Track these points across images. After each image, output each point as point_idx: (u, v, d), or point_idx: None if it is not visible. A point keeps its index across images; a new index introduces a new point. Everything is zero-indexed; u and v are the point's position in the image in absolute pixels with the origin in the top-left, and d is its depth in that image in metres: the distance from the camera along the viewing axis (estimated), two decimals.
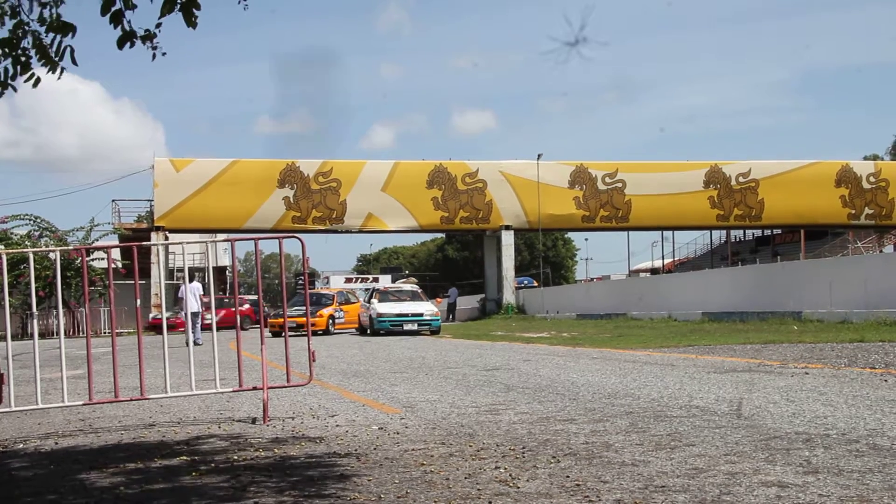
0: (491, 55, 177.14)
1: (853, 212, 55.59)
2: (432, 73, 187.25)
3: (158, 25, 6.15)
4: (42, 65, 6.26)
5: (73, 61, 6.25)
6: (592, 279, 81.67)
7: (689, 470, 5.42)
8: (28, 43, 6.26)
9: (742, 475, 5.23)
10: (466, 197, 51.58)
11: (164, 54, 6.35)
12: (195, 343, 18.82)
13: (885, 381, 10.44)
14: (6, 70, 6.28)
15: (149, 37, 6.17)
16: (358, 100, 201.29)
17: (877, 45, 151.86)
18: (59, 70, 6.26)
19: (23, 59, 6.28)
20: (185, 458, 6.69)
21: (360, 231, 51.67)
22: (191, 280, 29.91)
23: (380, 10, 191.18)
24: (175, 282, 45.68)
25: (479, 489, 5.08)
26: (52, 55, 6.21)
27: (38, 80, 6.36)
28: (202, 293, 23.45)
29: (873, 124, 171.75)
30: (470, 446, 6.59)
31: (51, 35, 6.18)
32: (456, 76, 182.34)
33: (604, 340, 22.07)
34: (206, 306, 24.85)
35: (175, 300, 30.14)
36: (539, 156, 52.89)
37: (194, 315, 24.19)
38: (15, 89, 6.39)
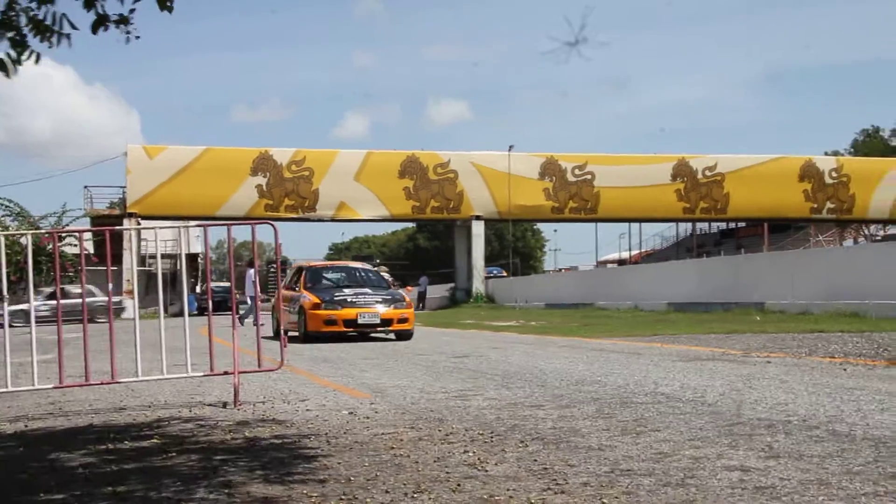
0: (467, 46, 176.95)
1: (815, 206, 56.03)
2: (407, 63, 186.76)
3: (132, 11, 6.09)
4: (39, 40, 6.13)
5: (72, 25, 6.11)
6: (561, 270, 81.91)
7: (654, 454, 5.44)
8: (23, 21, 6.16)
9: (706, 459, 5.25)
10: (437, 187, 51.60)
11: (137, 38, 6.26)
12: (254, 324, 19.89)
13: (844, 370, 10.53)
14: (10, 57, 6.17)
15: (122, 20, 6.09)
16: (332, 89, 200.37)
17: (841, 46, 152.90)
18: (59, 40, 6.14)
19: (18, 37, 6.18)
20: (155, 440, 6.65)
21: (333, 219, 51.66)
22: (250, 266, 30.04)
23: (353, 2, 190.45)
24: (147, 268, 45.39)
25: (447, 472, 5.08)
26: (50, 25, 6.08)
27: (38, 57, 6.23)
28: (255, 280, 23.85)
29: (836, 122, 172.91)
30: (439, 431, 6.59)
31: (43, 9, 6.10)
32: (431, 67, 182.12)
33: (571, 329, 22.17)
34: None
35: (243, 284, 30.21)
36: (510, 147, 53.05)
37: (251, 297, 27.23)
38: (20, 63, 6.25)
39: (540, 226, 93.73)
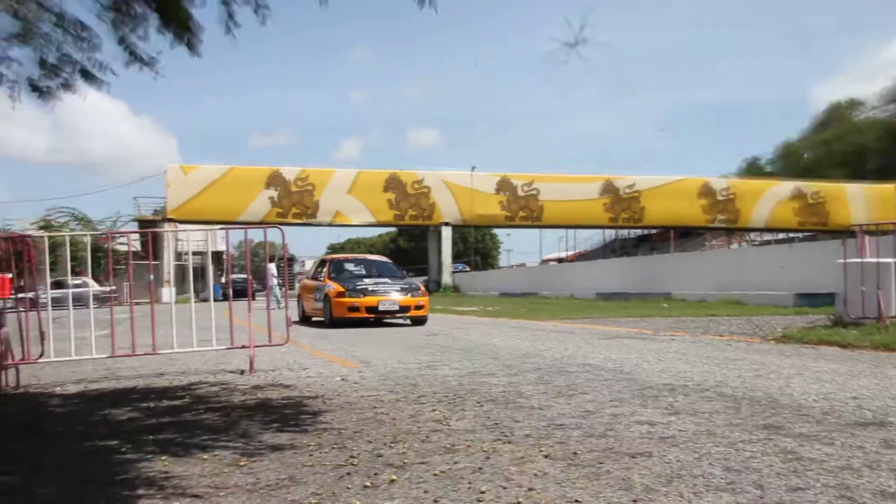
0: (438, 85, 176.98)
1: (710, 217, 56.46)
2: (391, 99, 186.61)
3: (159, 52, 6.07)
4: (85, 81, 6.16)
5: (113, 72, 6.14)
6: (512, 266, 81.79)
7: (582, 412, 5.47)
8: (73, 68, 6.16)
9: (622, 416, 5.29)
10: (414, 199, 51.64)
11: (162, 76, 6.25)
12: (278, 307, 20.13)
13: (730, 345, 10.61)
14: (55, 87, 6.17)
15: (150, 62, 6.08)
16: (331, 120, 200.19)
17: (736, 90, 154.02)
18: (102, 85, 6.15)
19: (69, 81, 6.18)
20: (187, 399, 6.64)
21: (330, 224, 51.45)
22: (270, 261, 30.14)
23: (350, 49, 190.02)
24: (182, 263, 45.09)
25: (419, 426, 5.09)
26: (93, 72, 6.12)
27: (86, 96, 6.24)
28: (275, 273, 23.83)
29: (726, 151, 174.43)
30: (412, 394, 6.60)
31: (92, 56, 6.11)
32: (409, 102, 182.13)
33: (520, 313, 22.16)
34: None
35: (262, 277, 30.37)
36: (473, 168, 53.12)
37: (272, 287, 26.05)
38: (51, 98, 6.22)
39: (496, 231, 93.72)
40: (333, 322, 16.95)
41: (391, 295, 17.12)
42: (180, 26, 5.86)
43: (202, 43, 5.97)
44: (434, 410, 5.70)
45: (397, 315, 17.18)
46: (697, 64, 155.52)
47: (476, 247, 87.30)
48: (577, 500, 3.37)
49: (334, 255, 20.95)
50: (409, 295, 17.34)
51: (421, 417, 5.43)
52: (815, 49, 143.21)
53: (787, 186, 59.86)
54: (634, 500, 3.35)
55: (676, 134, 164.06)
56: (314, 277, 19.55)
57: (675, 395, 6.14)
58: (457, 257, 63.69)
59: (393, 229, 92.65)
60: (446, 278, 52.31)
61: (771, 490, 3.48)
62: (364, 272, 19.23)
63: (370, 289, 17.19)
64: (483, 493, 3.52)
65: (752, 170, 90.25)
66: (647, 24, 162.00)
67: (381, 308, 16.83)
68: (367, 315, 16.75)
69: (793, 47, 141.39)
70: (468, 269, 70.29)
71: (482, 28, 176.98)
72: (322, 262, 20.12)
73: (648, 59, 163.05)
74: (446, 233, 52.52)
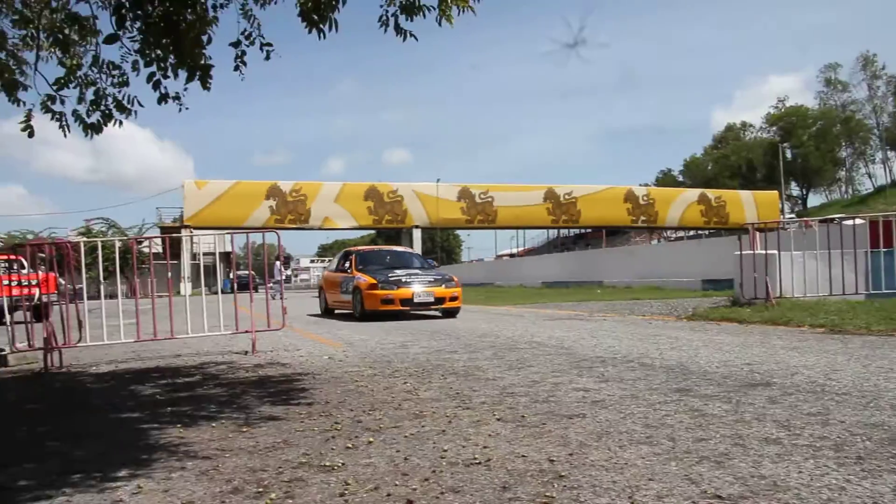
0: (412, 109, 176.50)
1: (634, 219, 56.89)
2: (370, 123, 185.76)
3: (185, 90, 6.02)
4: (119, 112, 6.14)
5: (140, 104, 6.14)
6: (472, 261, 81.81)
7: (529, 382, 5.46)
8: (110, 101, 6.13)
9: (562, 384, 5.29)
10: (390, 206, 51.59)
11: (187, 108, 6.20)
12: (277, 298, 19.35)
13: (650, 323, 10.69)
14: (99, 121, 6.15)
15: (176, 97, 6.03)
16: (321, 141, 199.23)
17: (653, 114, 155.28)
18: (133, 114, 6.14)
19: (106, 112, 6.14)
20: (199, 377, 6.53)
21: (320, 228, 51.24)
22: (277, 260, 29.93)
23: (337, 83, 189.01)
24: (196, 262, 44.58)
25: (392, 396, 5.05)
26: (126, 105, 6.10)
27: (121, 124, 6.19)
28: (281, 268, 23.45)
29: (646, 163, 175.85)
30: (388, 369, 6.54)
31: (122, 90, 6.09)
32: (386, 125, 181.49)
33: (478, 300, 22.17)
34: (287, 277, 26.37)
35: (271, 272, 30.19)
36: (438, 180, 53.12)
37: (277, 282, 26.62)
38: (99, 131, 6.18)
39: (458, 231, 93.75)
40: (365, 315, 13.90)
41: (426, 286, 14.12)
42: (194, 67, 5.81)
43: (212, 79, 5.92)
44: (406, 383, 5.66)
45: (432, 307, 14.08)
46: (624, 92, 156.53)
47: (442, 245, 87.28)
48: (523, 455, 3.36)
49: (360, 247, 17.04)
50: (444, 286, 14.29)
51: (395, 389, 5.39)
52: (715, 81, 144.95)
53: (694, 193, 60.68)
54: (570, 454, 3.35)
55: (606, 150, 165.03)
56: (339, 270, 16.29)
57: (606, 366, 6.16)
58: (426, 254, 63.61)
59: (373, 231, 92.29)
60: None
61: (681, 441, 3.49)
62: (393, 263, 15.91)
63: (403, 280, 14.11)
64: (445, 451, 3.49)
65: (666, 179, 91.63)
66: (591, 60, 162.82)
67: (416, 300, 13.83)
68: (401, 307, 13.80)
69: (698, 80, 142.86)
70: (436, 264, 70.40)
71: (450, 66, 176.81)
72: (347, 254, 16.73)
73: (583, 87, 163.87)
74: (416, 234, 52.45)
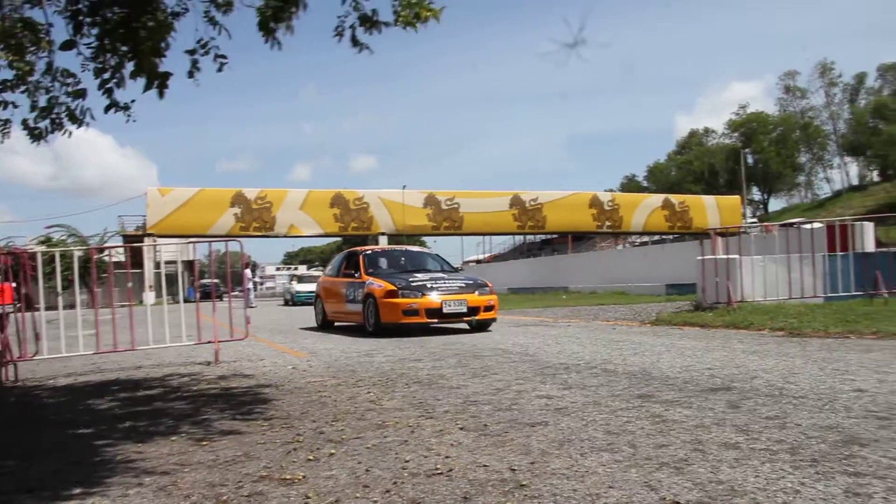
0: (378, 116, 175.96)
1: (599, 224, 57.31)
2: (335, 129, 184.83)
3: (133, 101, 5.95)
4: (71, 122, 6.05)
5: (92, 117, 6.04)
6: None
7: (492, 390, 5.46)
8: (61, 110, 6.04)
9: (525, 392, 5.30)
10: (356, 213, 51.40)
11: (134, 121, 6.15)
12: (250, 306, 18.76)
13: (614, 329, 10.79)
14: (46, 128, 6.05)
15: (125, 107, 5.96)
16: (286, 148, 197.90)
17: (618, 121, 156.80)
18: (84, 125, 6.04)
19: (57, 120, 6.04)
20: (160, 389, 6.43)
21: (286, 236, 50.80)
22: (247, 268, 29.60)
23: (302, 88, 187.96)
24: (158, 271, 43.96)
25: (356, 406, 5.02)
26: (78, 115, 6.01)
27: (70, 134, 6.08)
28: (251, 276, 23.19)
29: (610, 169, 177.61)
30: (352, 379, 6.50)
31: (77, 102, 5.99)
32: (352, 132, 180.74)
33: None
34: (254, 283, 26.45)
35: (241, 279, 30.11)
36: (404, 186, 53.12)
37: (248, 290, 25.33)
38: (42, 138, 6.09)
39: (425, 238, 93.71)
40: (381, 328, 11.47)
41: (456, 293, 11.54)
42: (151, 76, 5.74)
43: (168, 88, 5.85)
44: (369, 393, 5.62)
45: (464, 318, 11.56)
46: (590, 101, 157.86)
47: None
48: (485, 465, 3.36)
49: (368, 248, 14.35)
50: (477, 293, 11.71)
51: (358, 399, 5.35)
52: (678, 88, 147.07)
53: (658, 198, 61.25)
54: (532, 463, 3.36)
55: (572, 156, 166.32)
56: (344, 274, 13.55)
57: (570, 373, 6.19)
58: None
59: (339, 238, 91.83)
60: None
61: (642, 448, 3.52)
62: (409, 266, 13.42)
63: (429, 285, 11.56)
64: (407, 461, 3.48)
65: (631, 185, 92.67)
66: (558, 64, 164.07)
67: (445, 310, 11.26)
68: (427, 320, 11.28)
69: (661, 87, 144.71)
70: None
71: (417, 71, 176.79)
72: (351, 255, 13.97)
73: (550, 94, 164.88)
74: (382, 241, 52.24)
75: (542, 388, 5.46)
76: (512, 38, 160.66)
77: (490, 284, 12.27)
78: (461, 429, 4.14)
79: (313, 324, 14.89)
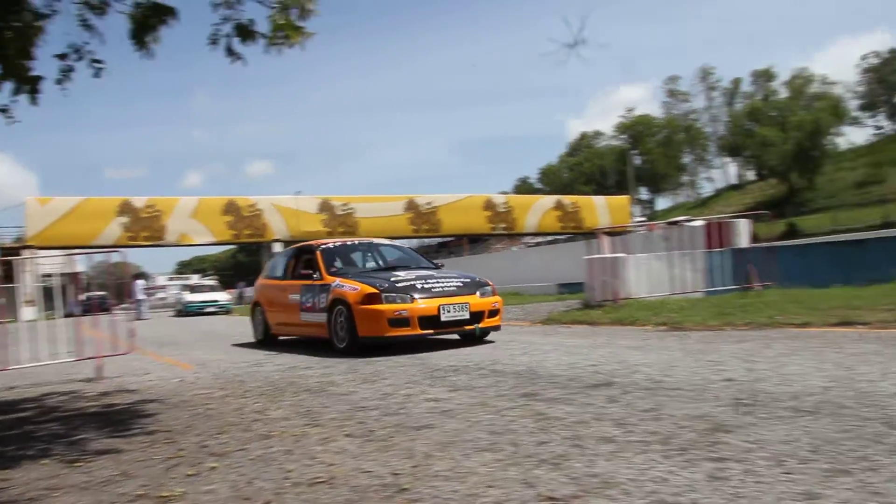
0: (272, 124, 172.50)
1: (494, 226, 58.15)
2: (228, 135, 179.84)
3: (6, 106, 5.65)
4: None
5: None
6: None
7: (381, 395, 5.46)
8: None
9: (414, 396, 5.32)
10: (249, 220, 50.37)
11: (17, 122, 5.83)
12: (141, 318, 17.89)
13: (504, 329, 10.94)
14: None
15: (3, 110, 5.66)
16: (177, 155, 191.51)
17: (511, 124, 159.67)
18: None
19: None
20: (34, 410, 6.11)
21: (177, 245, 49.31)
22: (138, 278, 28.35)
23: (190, 93, 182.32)
24: (42, 284, 41.83)
25: (242, 418, 4.93)
26: None
27: None
28: (145, 286, 22.10)
29: (503, 172, 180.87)
30: (239, 389, 6.37)
31: None
32: (244, 138, 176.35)
33: None
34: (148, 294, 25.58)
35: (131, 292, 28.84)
36: (297, 192, 52.56)
37: (140, 301, 23.90)
38: None
39: None
40: (359, 343, 8.62)
41: (454, 296, 8.80)
42: (20, 80, 5.48)
43: (40, 93, 5.59)
44: (256, 403, 5.52)
45: (465, 328, 8.78)
46: (485, 106, 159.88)
47: None
48: (368, 471, 3.37)
49: (321, 241, 11.22)
50: (479, 293, 9.05)
51: (245, 410, 5.25)
52: (570, 91, 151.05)
53: (550, 199, 62.77)
54: (415, 466, 3.39)
55: (467, 160, 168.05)
56: (294, 276, 10.64)
57: (458, 375, 6.25)
58: None
59: (233, 246, 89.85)
60: None
61: (523, 446, 3.61)
62: (382, 262, 10.79)
63: (418, 286, 8.81)
64: (290, 471, 3.45)
65: (523, 187, 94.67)
66: (451, 70, 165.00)
67: (443, 317, 8.55)
68: (420, 331, 8.47)
69: (554, 90, 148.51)
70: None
71: (313, 76, 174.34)
72: (302, 252, 11.04)
73: (444, 98, 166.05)
74: (277, 248, 51.53)
75: (431, 391, 5.49)
76: (405, 44, 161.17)
77: (492, 283, 9.58)
78: (347, 435, 4.13)
79: (205, 336, 14.46)
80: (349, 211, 53.54)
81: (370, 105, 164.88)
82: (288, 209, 51.70)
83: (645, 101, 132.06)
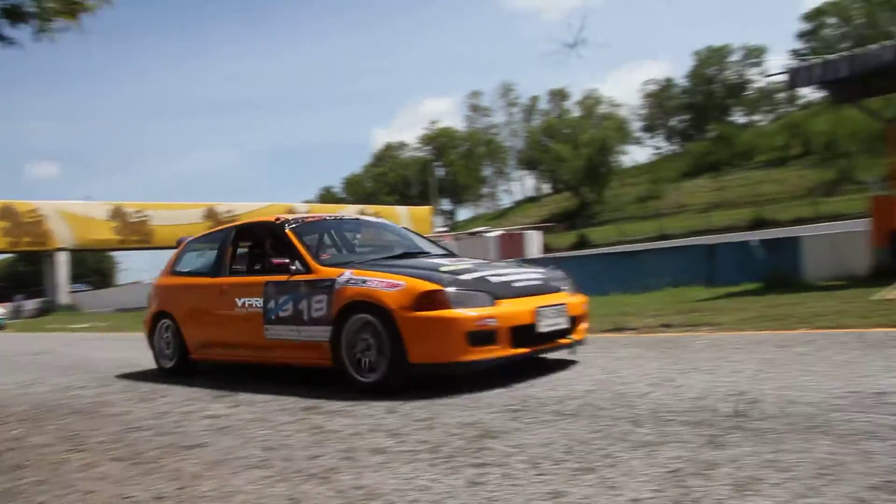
0: (63, 122, 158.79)
1: None
2: (6, 134, 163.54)
3: None
4: None
5: None
6: (127, 284, 76.48)
7: (157, 414, 5.23)
8: None
9: (192, 413, 5.15)
10: (29, 227, 46.31)
11: None
12: None
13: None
14: None
15: None
16: None
17: (318, 133, 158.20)
18: None
19: None
20: None
21: None
22: None
23: None
24: None
25: None
26: None
27: None
28: None
29: (308, 181, 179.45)
30: (1, 415, 5.83)
31: None
32: (29, 137, 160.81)
33: (130, 326, 20.80)
34: None
35: None
36: (87, 197, 49.17)
37: None
38: None
39: (115, 253, 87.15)
40: (410, 373, 5.18)
41: (544, 293, 5.68)
42: None
43: None
44: (17, 429, 5.08)
45: (560, 340, 5.60)
46: (291, 113, 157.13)
47: (97, 267, 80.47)
48: (130, 496, 3.22)
49: (282, 216, 6.59)
50: (567, 290, 6.03)
51: (1, 437, 4.82)
52: (377, 103, 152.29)
53: (353, 209, 63.03)
54: (181, 488, 3.29)
55: (270, 168, 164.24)
56: (250, 269, 6.83)
57: (240, 391, 6.10)
58: (78, 278, 58.40)
59: (11, 255, 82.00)
60: (63, 299, 47.60)
61: (296, 461, 3.60)
62: (385, 250, 6.85)
63: (490, 279, 5.42)
64: (41, 503, 3.22)
65: (328, 196, 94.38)
66: (260, 76, 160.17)
67: (540, 327, 5.32)
68: (512, 351, 5.16)
69: (361, 102, 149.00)
70: (91, 288, 64.36)
71: (106, 75, 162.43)
72: (249, 231, 7.30)
73: (248, 105, 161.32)
74: (62, 257, 47.75)
75: (211, 407, 5.33)
76: (212, 47, 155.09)
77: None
78: (113, 459, 3.93)
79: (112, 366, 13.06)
80: (144, 218, 50.80)
81: (172, 108, 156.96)
82: (75, 215, 48.12)
83: (449, 113, 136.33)
